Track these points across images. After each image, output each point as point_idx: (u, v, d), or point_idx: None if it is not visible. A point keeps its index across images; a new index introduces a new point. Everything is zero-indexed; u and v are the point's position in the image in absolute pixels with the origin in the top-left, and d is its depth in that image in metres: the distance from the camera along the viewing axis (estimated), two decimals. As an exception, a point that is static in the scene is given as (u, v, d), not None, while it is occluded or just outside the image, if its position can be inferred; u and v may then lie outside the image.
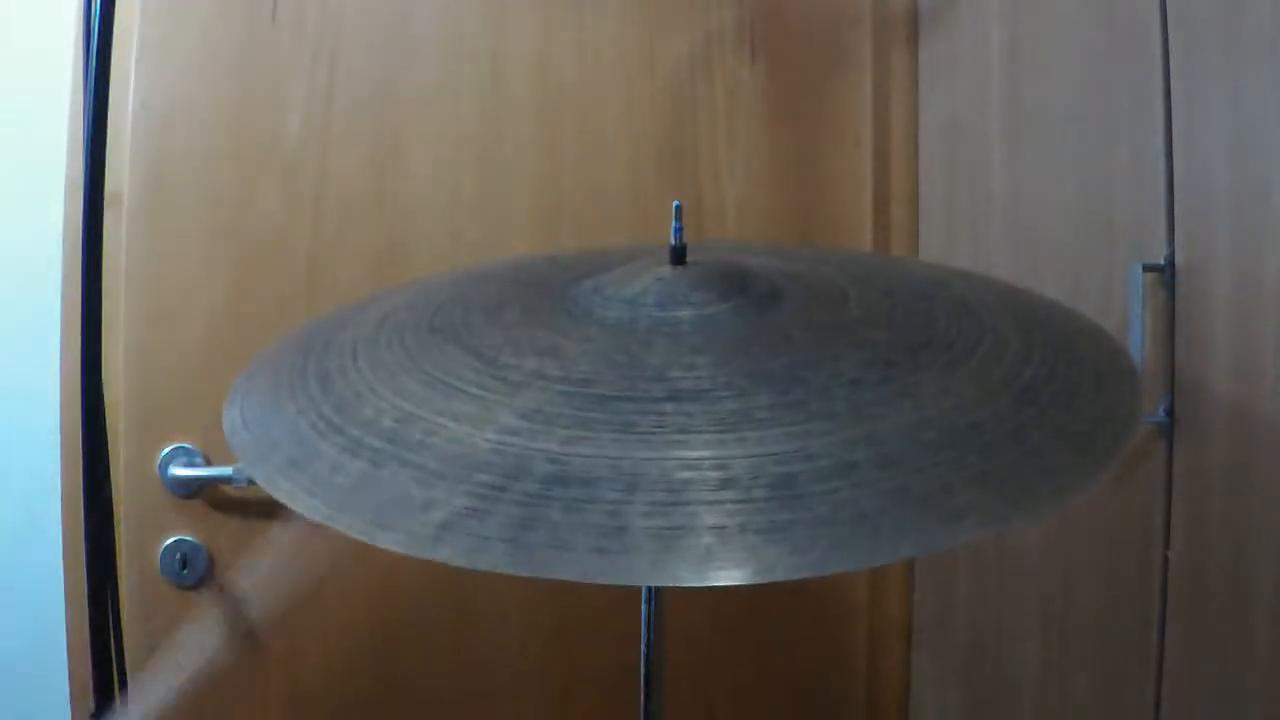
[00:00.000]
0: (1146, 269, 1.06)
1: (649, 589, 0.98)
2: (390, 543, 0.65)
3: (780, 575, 0.61)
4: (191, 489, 1.42)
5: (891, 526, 0.63)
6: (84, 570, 1.14)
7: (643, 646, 0.98)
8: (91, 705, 1.09)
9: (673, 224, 0.89)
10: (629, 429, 0.70)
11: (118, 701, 0.94)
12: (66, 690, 1.40)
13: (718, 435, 0.69)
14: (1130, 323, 1.07)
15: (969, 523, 0.65)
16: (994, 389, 0.76)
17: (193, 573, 1.43)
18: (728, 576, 0.61)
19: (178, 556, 1.42)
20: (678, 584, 0.61)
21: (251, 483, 1.36)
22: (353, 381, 0.80)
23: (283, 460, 0.74)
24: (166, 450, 1.41)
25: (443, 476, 0.68)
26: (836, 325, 0.84)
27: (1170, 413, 1.05)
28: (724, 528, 0.63)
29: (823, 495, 0.64)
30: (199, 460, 1.42)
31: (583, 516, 0.64)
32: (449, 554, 0.63)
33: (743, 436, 0.69)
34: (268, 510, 1.43)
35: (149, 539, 1.42)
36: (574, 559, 0.62)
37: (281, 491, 0.72)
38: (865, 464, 0.67)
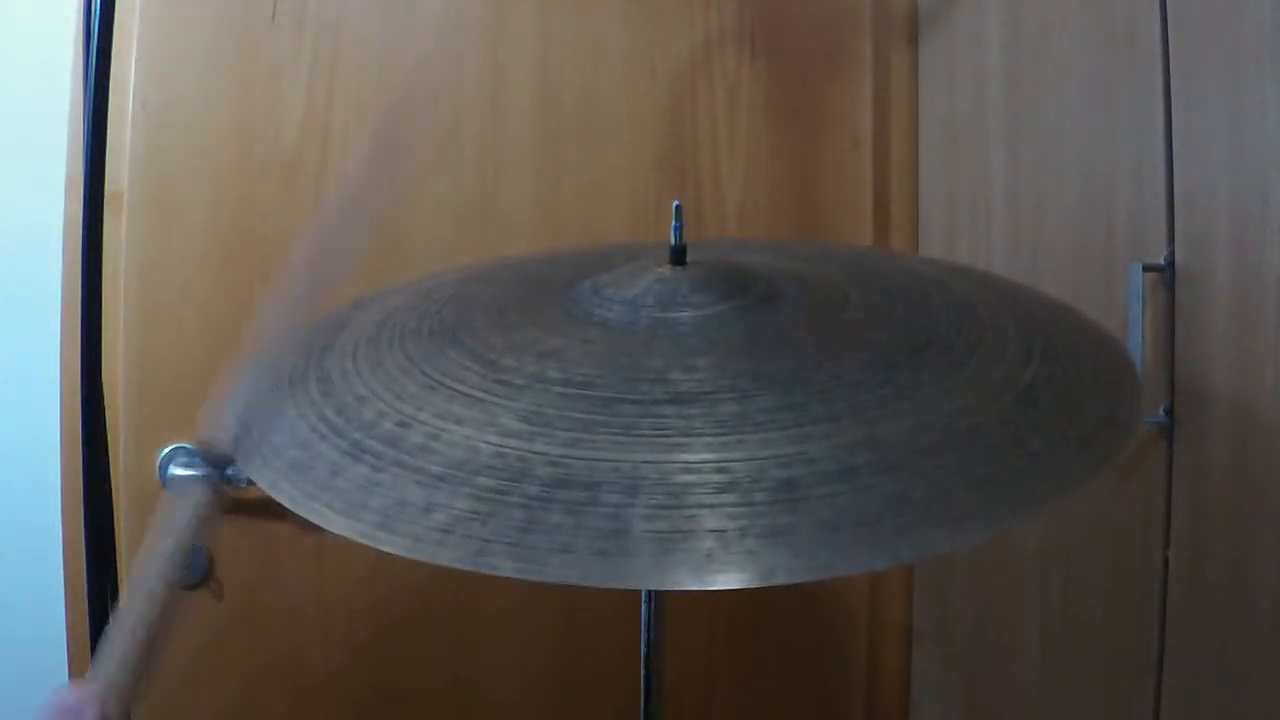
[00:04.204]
0: (1146, 269, 1.06)
1: (649, 591, 0.98)
2: (393, 546, 0.65)
3: (780, 579, 0.61)
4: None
5: (892, 531, 0.63)
6: (84, 570, 1.14)
7: (643, 647, 0.98)
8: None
9: (673, 224, 0.89)
10: (630, 432, 0.70)
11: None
12: (67, 690, 1.40)
13: (719, 438, 0.69)
14: (1130, 323, 1.07)
15: (969, 527, 0.65)
16: (994, 390, 0.76)
17: (193, 573, 1.43)
18: (728, 580, 0.61)
19: (178, 556, 1.42)
20: (679, 588, 0.61)
21: (251, 483, 1.36)
22: (353, 384, 0.80)
23: (284, 464, 0.74)
24: (166, 450, 1.41)
25: (444, 480, 0.68)
26: (837, 326, 0.84)
27: (1170, 413, 1.05)
28: (725, 531, 0.63)
29: (824, 499, 0.65)
30: (199, 460, 1.42)
31: (584, 520, 0.64)
32: (451, 557, 0.63)
33: (743, 439, 0.69)
34: (268, 510, 1.43)
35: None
36: (575, 562, 0.62)
37: (283, 495, 0.72)
38: (866, 468, 0.67)
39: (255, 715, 1.46)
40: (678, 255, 0.88)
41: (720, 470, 0.66)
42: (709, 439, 0.69)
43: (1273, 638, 0.93)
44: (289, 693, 1.46)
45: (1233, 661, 0.98)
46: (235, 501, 1.43)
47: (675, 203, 0.90)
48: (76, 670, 1.38)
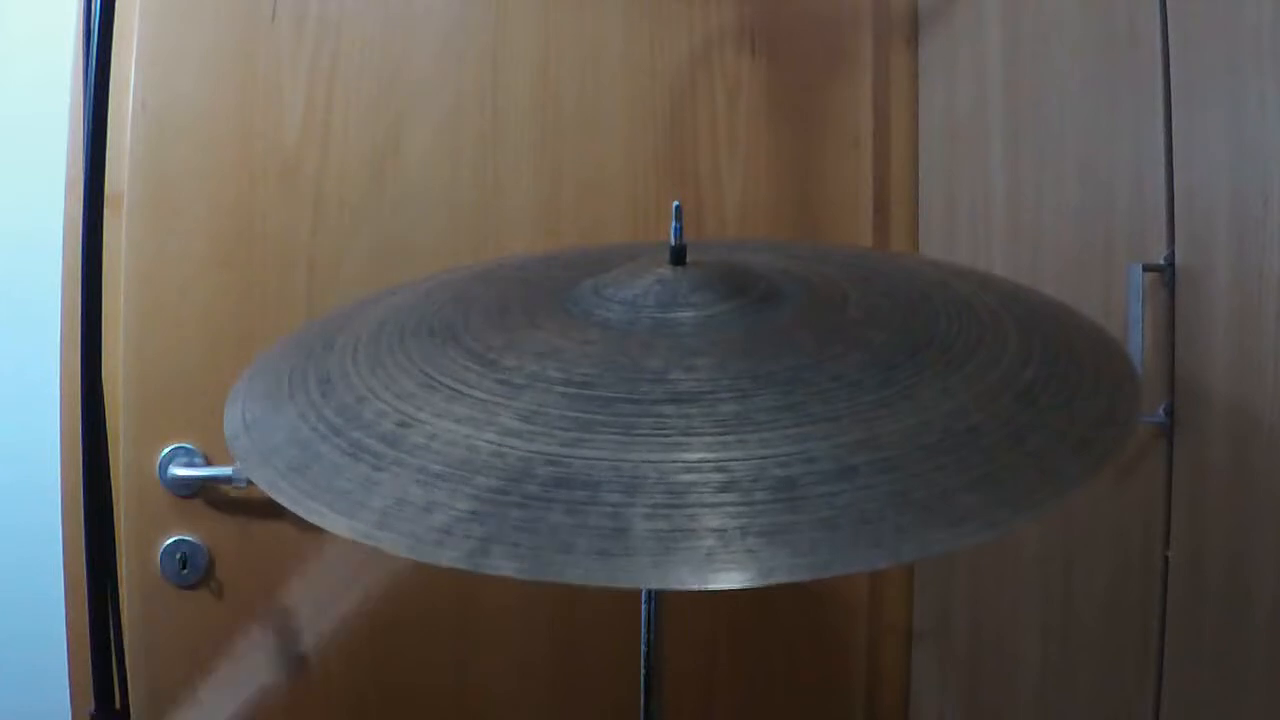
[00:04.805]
0: (1146, 269, 1.06)
1: (649, 590, 0.98)
2: (392, 546, 0.65)
3: (781, 578, 0.61)
4: (191, 489, 1.42)
5: (892, 530, 0.63)
6: (84, 570, 1.14)
7: (643, 646, 0.98)
8: (91, 705, 1.09)
9: (672, 224, 0.89)
10: (630, 431, 0.70)
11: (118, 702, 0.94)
12: (67, 690, 1.40)
13: (719, 438, 0.69)
14: (1130, 323, 1.07)
15: (969, 526, 0.65)
16: (993, 390, 0.76)
17: (193, 573, 1.43)
18: (729, 579, 0.61)
19: (178, 556, 1.42)
20: (680, 587, 0.61)
21: (251, 483, 1.36)
22: (353, 384, 0.80)
23: (284, 464, 0.74)
24: (166, 450, 1.41)
25: (444, 479, 0.68)
26: (837, 326, 0.84)
27: (1170, 413, 1.05)
28: (725, 530, 0.63)
29: (824, 498, 0.65)
30: (199, 460, 1.42)
31: (584, 519, 0.64)
32: (451, 557, 0.63)
33: (743, 439, 0.69)
34: (268, 510, 1.43)
35: (149, 539, 1.42)
36: (575, 561, 0.62)
37: (283, 495, 0.72)
38: (866, 467, 0.67)
39: (256, 713, 1.45)
40: (678, 255, 0.88)
41: (720, 469, 0.66)
42: (709, 438, 0.69)
43: (1273, 638, 0.93)
44: (289, 690, 1.46)
45: (1233, 661, 0.98)
46: (235, 501, 1.43)
47: (675, 203, 0.90)
48: (77, 670, 1.38)
